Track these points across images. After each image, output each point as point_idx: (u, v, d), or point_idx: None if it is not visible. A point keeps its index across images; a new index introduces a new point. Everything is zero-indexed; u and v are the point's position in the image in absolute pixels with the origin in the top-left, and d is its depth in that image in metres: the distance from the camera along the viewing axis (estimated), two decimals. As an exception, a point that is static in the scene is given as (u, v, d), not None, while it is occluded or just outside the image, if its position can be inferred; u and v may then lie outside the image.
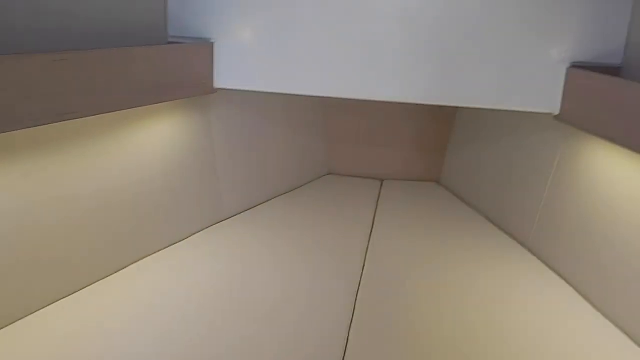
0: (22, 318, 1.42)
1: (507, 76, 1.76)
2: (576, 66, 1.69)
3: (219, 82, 1.84)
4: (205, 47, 1.79)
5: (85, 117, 1.39)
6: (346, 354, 1.40)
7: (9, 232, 1.38)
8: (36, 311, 1.45)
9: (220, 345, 1.40)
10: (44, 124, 1.28)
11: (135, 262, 1.75)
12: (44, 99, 1.26)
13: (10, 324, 1.39)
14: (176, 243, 1.90)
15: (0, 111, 1.18)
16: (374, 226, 2.19)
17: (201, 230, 2.02)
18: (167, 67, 1.63)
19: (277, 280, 1.74)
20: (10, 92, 1.19)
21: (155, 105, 1.66)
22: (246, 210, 2.23)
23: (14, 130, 1.22)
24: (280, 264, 1.84)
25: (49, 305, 1.49)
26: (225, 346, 1.40)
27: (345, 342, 1.45)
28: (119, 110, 1.50)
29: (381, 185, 2.69)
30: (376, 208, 2.38)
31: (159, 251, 1.83)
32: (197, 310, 1.54)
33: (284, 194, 2.46)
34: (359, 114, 2.73)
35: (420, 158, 2.78)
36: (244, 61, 1.84)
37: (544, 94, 1.73)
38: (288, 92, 1.88)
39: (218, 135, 2.07)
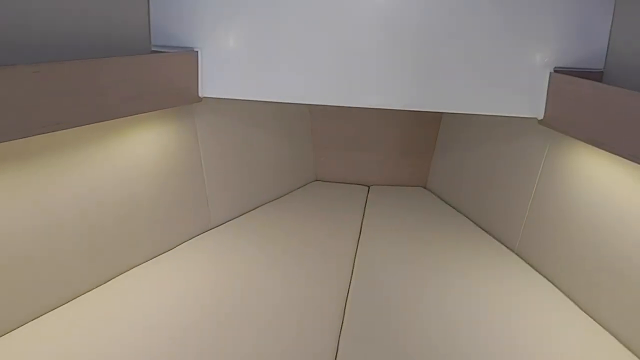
0: (7, 332, 1.40)
1: (491, 81, 1.77)
2: (559, 71, 1.70)
3: (204, 90, 1.84)
4: (189, 56, 1.78)
5: (67, 128, 1.38)
6: (337, 356, 1.40)
7: None
8: (13, 329, 1.42)
9: (211, 353, 1.39)
10: (25, 136, 1.27)
11: (123, 272, 1.73)
12: (26, 111, 1.25)
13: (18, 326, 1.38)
14: (164, 253, 1.89)
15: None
16: (362, 231, 2.19)
17: (189, 240, 2.00)
18: (151, 77, 1.62)
19: (266, 287, 1.73)
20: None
21: (141, 114, 1.65)
22: (234, 218, 2.23)
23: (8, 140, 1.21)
24: (269, 270, 1.83)
25: (27, 322, 1.45)
26: (216, 354, 1.39)
27: (337, 344, 1.45)
28: (102, 121, 1.48)
29: (368, 190, 2.69)
30: (364, 213, 2.38)
31: (146, 261, 1.81)
32: (185, 321, 1.53)
33: (272, 200, 2.46)
34: (344, 120, 2.73)
35: (407, 163, 2.79)
36: (229, 70, 1.84)
37: (527, 99, 1.75)
38: (273, 100, 1.88)
39: (205, 143, 2.06)
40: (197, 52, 1.80)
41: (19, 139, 1.25)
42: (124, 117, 1.57)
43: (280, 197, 2.51)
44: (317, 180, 2.79)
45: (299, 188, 2.65)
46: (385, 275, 1.83)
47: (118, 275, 1.71)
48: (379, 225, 2.26)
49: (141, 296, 1.64)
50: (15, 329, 1.43)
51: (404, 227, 2.25)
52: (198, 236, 2.05)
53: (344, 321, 1.57)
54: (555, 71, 1.70)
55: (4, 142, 1.23)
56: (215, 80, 1.83)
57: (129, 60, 1.55)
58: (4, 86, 1.20)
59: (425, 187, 2.76)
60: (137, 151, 1.77)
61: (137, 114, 1.60)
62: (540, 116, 1.73)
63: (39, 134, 1.30)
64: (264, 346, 1.44)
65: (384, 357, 1.42)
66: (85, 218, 1.59)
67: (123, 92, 1.51)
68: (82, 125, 1.42)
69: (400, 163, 2.79)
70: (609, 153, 1.42)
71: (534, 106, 1.73)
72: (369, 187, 2.73)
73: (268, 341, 1.47)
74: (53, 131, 1.34)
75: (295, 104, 1.86)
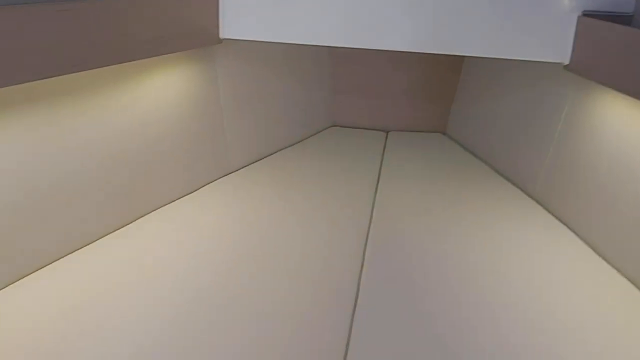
0: (29, 274, 1.44)
1: (516, 24, 1.73)
2: (587, 15, 1.65)
3: (225, 32, 1.82)
4: (208, -4, 1.75)
5: (88, 69, 1.38)
6: (357, 302, 1.43)
7: (15, 187, 1.39)
8: (44, 266, 1.47)
9: (227, 295, 1.43)
10: (47, 77, 1.27)
11: (143, 215, 1.76)
12: (51, 50, 1.25)
13: (17, 280, 1.41)
14: (184, 196, 1.91)
15: (4, 64, 1.17)
16: (380, 177, 2.19)
17: (209, 183, 2.03)
18: (172, 18, 1.61)
19: (284, 231, 1.75)
20: (15, 44, 1.17)
21: (161, 56, 1.64)
22: (252, 163, 2.24)
23: (18, 84, 1.22)
24: (287, 215, 1.85)
25: (57, 260, 1.50)
26: (233, 296, 1.43)
27: (357, 290, 1.48)
28: (123, 63, 1.48)
29: (386, 136, 2.68)
30: (382, 159, 2.38)
31: (165, 205, 1.84)
32: (204, 262, 1.56)
33: (290, 146, 2.46)
34: (363, 63, 2.69)
35: (426, 108, 2.76)
36: (251, 10, 1.81)
37: (553, 43, 1.70)
38: (294, 42, 1.86)
39: (225, 87, 2.05)
40: (216, -8, 1.77)
41: (45, 79, 1.26)
42: (147, 57, 1.56)
43: (298, 142, 2.51)
44: (334, 126, 2.78)
45: (316, 133, 2.65)
46: (403, 223, 1.84)
47: (139, 218, 1.74)
48: (397, 172, 2.26)
49: (162, 238, 1.67)
50: (58, 259, 1.49)
51: (422, 174, 2.25)
52: (217, 180, 2.07)
53: (364, 265, 1.59)
54: (584, 15, 1.66)
55: (30, 81, 1.24)
56: (236, 21, 1.81)
57: (147, 1, 1.53)
58: (30, 25, 1.20)
59: (444, 134, 2.74)
60: (159, 94, 1.77)
61: (157, 55, 1.59)
62: (567, 61, 1.69)
63: (64, 74, 1.31)
64: (285, 290, 1.47)
65: (402, 300, 1.45)
66: (107, 160, 1.61)
67: (144, 33, 1.50)
68: (105, 66, 1.42)
69: (420, 108, 2.76)
70: (635, 99, 1.40)
71: (560, 51, 1.70)
72: (387, 133, 2.72)
73: (290, 284, 1.49)
74: (77, 71, 1.34)
75: (314, 47, 1.84)
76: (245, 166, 2.20)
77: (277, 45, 1.88)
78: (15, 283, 1.40)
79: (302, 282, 1.50)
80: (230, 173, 2.13)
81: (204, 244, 1.65)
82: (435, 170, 2.29)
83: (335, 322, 1.35)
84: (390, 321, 1.36)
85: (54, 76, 1.28)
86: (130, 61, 1.50)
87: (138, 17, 1.48)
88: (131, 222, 1.71)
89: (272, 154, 2.35)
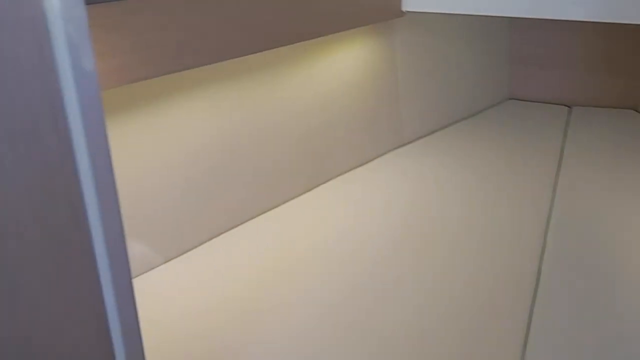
0: (224, 232, 1.56)
1: None
2: None
3: (408, 4, 1.79)
4: (395, -31, 1.74)
5: (280, 46, 1.44)
6: (537, 290, 1.37)
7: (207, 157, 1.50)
8: (236, 226, 1.58)
9: (404, 270, 1.44)
10: (251, 53, 1.35)
11: (319, 185, 1.82)
12: (251, 29, 1.33)
13: (207, 240, 1.52)
14: (357, 167, 1.95)
15: (215, 41, 1.25)
16: (563, 156, 2.05)
17: (382, 155, 2.05)
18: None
19: (458, 208, 1.72)
20: (225, 23, 1.26)
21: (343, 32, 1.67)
22: (426, 136, 2.21)
23: (228, 59, 1.31)
24: (460, 192, 1.82)
25: (250, 219, 1.61)
26: (409, 267, 1.43)
27: (537, 277, 1.41)
28: (309, 39, 1.53)
29: (569, 112, 2.49)
30: (564, 137, 2.23)
31: (341, 174, 1.89)
32: (383, 232, 1.59)
33: (464, 119, 2.39)
34: (544, 34, 2.51)
35: (615, 82, 2.52)
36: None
37: None
38: (476, 14, 1.78)
39: (401, 60, 2.04)
40: (402, -36, 1.75)
41: (248, 55, 1.34)
42: (333, 33, 1.60)
43: (473, 115, 2.43)
44: (512, 99, 2.64)
45: (492, 106, 2.54)
46: (588, 207, 1.72)
47: (315, 188, 1.80)
48: (582, 151, 2.10)
49: (337, 208, 1.72)
50: (250, 219, 1.60)
51: (611, 155, 2.07)
52: (391, 152, 2.08)
53: (544, 252, 1.52)
54: None
55: (233, 58, 1.33)
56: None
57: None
58: (234, 4, 1.27)
59: (636, 110, 2.48)
60: (338, 69, 1.81)
61: (345, 30, 1.62)
62: None
63: (260, 52, 1.39)
64: (459, 272, 1.45)
65: (587, 286, 1.36)
66: (288, 132, 1.69)
67: (332, 8, 1.54)
68: (295, 42, 1.48)
69: (607, 82, 2.52)
70: None
71: None
72: (570, 108, 2.53)
73: (465, 266, 1.47)
74: (270, 49, 1.41)
75: (493, 17, 1.75)
76: (418, 138, 2.18)
77: (454, 17, 1.82)
78: (202, 246, 1.52)
79: (477, 264, 1.47)
80: (402, 146, 2.13)
81: (376, 217, 1.67)
82: (625, 150, 2.09)
83: (514, 310, 1.31)
84: (572, 312, 1.29)
85: (256, 52, 1.36)
86: (316, 37, 1.55)
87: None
88: (307, 192, 1.78)
89: (446, 126, 2.30)
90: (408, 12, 1.81)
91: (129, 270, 0.56)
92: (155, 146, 1.39)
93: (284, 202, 1.72)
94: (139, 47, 1.10)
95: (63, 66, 0.54)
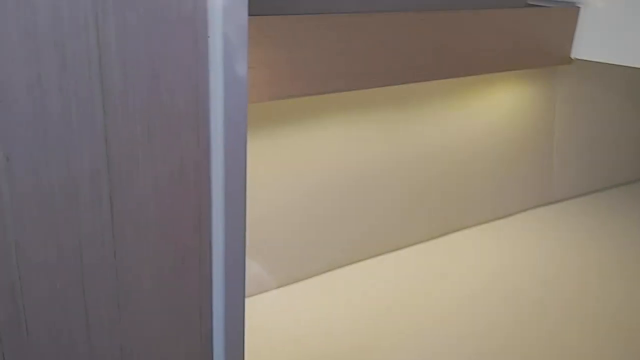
0: (342, 266, 1.51)
1: None
2: None
3: (578, 52, 1.65)
4: (569, 12, 1.61)
5: (436, 79, 1.38)
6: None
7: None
8: (356, 262, 1.53)
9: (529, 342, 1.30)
10: (400, 83, 1.31)
11: (452, 232, 1.72)
12: (404, 58, 1.28)
13: (323, 272, 1.48)
14: (497, 219, 1.82)
15: (371, 67, 1.22)
16: None
17: (526, 210, 1.89)
18: (526, 33, 1.52)
19: (599, 283, 1.54)
20: (378, 50, 1.23)
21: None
22: (579, 196, 2.02)
23: (381, 86, 1.28)
24: (605, 266, 1.63)
25: (371, 257, 1.55)
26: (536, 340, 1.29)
27: None
28: (470, 75, 1.45)
29: None
30: None
31: (477, 225, 1.77)
32: (508, 296, 1.46)
33: (627, 184, 2.15)
34: None
35: None
36: (612, 30, 1.61)
37: None
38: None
39: (562, 109, 1.89)
40: (578, 7, 1.62)
41: (400, 84, 1.31)
42: (497, 72, 1.52)
43: (635, 181, 2.19)
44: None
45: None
46: None
47: (447, 234, 1.71)
48: None
49: (467, 258, 1.62)
50: (336, 268, 1.51)
51: None
52: (537, 208, 1.92)
53: None
54: None
55: (386, 86, 1.29)
56: (594, 42, 1.63)
57: (504, 14, 1.47)
58: (390, 32, 1.23)
59: None
60: (490, 110, 1.71)
61: (505, 71, 1.54)
62: None
63: (410, 83, 1.34)
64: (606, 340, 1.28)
65: None
66: (425, 171, 1.62)
67: (494, 47, 1.45)
68: (455, 77, 1.42)
69: None
70: None
71: None
72: None
73: (611, 334, 1.30)
74: (422, 81, 1.36)
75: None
76: (571, 198, 2.00)
77: (626, 70, 1.65)
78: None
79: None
80: (552, 202, 1.96)
81: (505, 271, 1.56)
82: None
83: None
84: None
85: (406, 83, 1.32)
86: (471, 75, 1.47)
87: (486, 30, 1.42)
88: (436, 237, 1.68)
89: (602, 189, 2.09)
90: (577, 59, 1.67)
91: (243, 285, 0.53)
92: (288, 167, 1.38)
93: (408, 245, 1.64)
94: (293, 63, 1.09)
95: (215, 66, 0.52)
